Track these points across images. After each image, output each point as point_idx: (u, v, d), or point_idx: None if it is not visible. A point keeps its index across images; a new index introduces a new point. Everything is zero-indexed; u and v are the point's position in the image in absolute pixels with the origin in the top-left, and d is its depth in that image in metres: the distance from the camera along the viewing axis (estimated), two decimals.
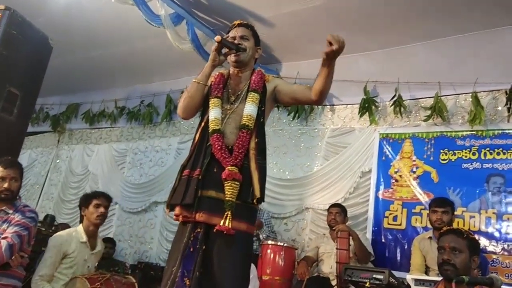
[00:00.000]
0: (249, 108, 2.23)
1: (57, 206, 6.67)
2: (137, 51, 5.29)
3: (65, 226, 4.90)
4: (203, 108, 2.36)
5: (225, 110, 2.29)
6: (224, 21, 4.60)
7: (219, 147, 2.15)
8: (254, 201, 2.11)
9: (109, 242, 5.11)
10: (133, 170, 6.30)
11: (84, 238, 3.24)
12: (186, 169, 2.19)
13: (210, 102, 2.29)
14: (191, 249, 2.03)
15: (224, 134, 2.21)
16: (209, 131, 2.22)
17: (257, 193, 2.10)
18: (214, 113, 2.25)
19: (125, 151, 6.49)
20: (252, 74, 2.38)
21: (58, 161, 7.16)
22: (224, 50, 2.33)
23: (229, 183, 2.08)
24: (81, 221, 3.37)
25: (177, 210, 2.14)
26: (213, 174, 2.14)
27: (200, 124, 2.34)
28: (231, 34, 2.39)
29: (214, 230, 2.05)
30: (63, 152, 7.16)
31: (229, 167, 2.11)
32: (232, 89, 2.35)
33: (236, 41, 2.33)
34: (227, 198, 2.07)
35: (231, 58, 2.35)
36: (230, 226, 2.03)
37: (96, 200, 3.30)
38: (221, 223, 2.03)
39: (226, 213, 2.05)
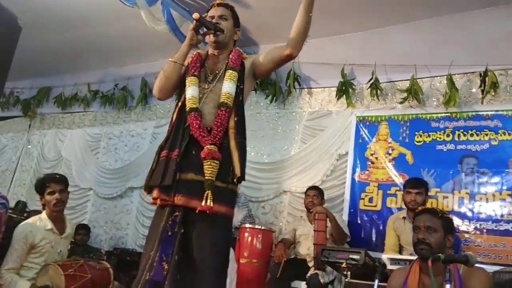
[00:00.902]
0: (228, 86, 2.17)
1: (29, 192, 6.49)
2: (110, 33, 5.14)
3: (37, 213, 4.78)
4: (180, 88, 2.29)
5: (202, 89, 2.22)
6: (201, 2, 4.50)
7: (197, 126, 2.10)
8: (235, 180, 2.07)
9: (83, 229, 5.02)
10: (107, 155, 6.18)
11: (49, 225, 3.09)
12: (164, 150, 2.13)
13: (187, 81, 2.23)
14: (169, 233, 1.99)
15: (202, 114, 2.15)
16: (187, 110, 2.16)
17: (238, 172, 2.06)
18: (191, 91, 2.19)
19: (99, 136, 6.35)
20: (229, 54, 2.32)
21: (29, 146, 6.96)
22: (202, 30, 2.26)
23: (209, 162, 2.03)
24: (43, 208, 3.20)
25: (155, 193, 2.08)
26: (192, 156, 2.09)
27: (177, 104, 2.27)
28: (210, 13, 2.32)
29: (196, 212, 2.00)
30: (35, 138, 6.97)
31: (208, 146, 2.05)
32: (210, 69, 2.30)
33: (214, 21, 2.26)
34: (206, 177, 2.02)
35: (210, 38, 2.28)
36: (211, 205, 1.98)
37: (48, 188, 3.11)
38: (203, 203, 1.98)
39: (206, 193, 2.00)
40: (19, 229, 3.07)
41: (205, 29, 2.26)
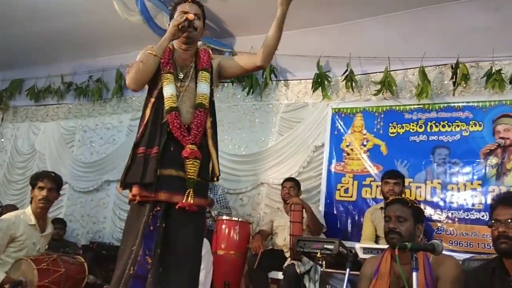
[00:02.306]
0: (203, 87, 2.25)
1: (3, 187, 6.37)
2: (83, 24, 5.02)
3: (12, 207, 4.70)
4: (150, 84, 2.29)
5: (177, 87, 2.25)
6: None
7: (177, 125, 2.14)
8: (215, 178, 2.22)
9: (59, 223, 4.95)
10: (83, 148, 6.08)
11: (32, 220, 3.12)
12: (140, 147, 2.14)
13: (163, 77, 2.24)
14: (151, 228, 2.03)
15: (180, 113, 2.19)
16: (166, 108, 2.18)
17: (217, 170, 2.21)
18: (169, 89, 2.21)
19: (74, 128, 6.23)
20: (197, 52, 2.37)
21: (2, 140, 6.79)
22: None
23: (191, 162, 2.10)
24: (31, 202, 3.23)
25: (135, 189, 2.11)
26: (171, 153, 2.13)
27: (149, 99, 2.28)
28: (181, 8, 2.32)
29: (177, 207, 2.07)
30: (8, 131, 6.79)
31: (189, 146, 2.12)
32: (179, 65, 2.32)
33: (190, 17, 2.24)
34: (189, 176, 2.10)
35: (184, 34, 2.28)
36: (193, 202, 2.07)
37: (40, 182, 3.16)
38: (184, 200, 2.06)
39: (188, 190, 2.08)
40: (2, 219, 3.09)
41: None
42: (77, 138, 6.17)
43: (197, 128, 2.17)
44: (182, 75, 2.29)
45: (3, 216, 3.17)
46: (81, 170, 5.92)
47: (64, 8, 4.79)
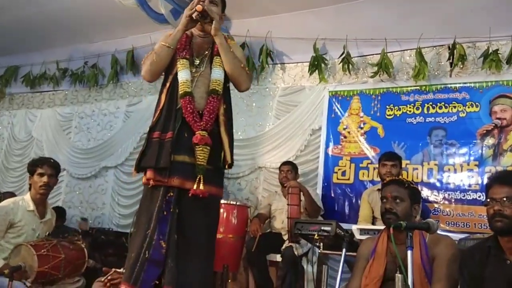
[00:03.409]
0: (217, 73, 2.23)
1: (1, 174, 6.39)
2: (76, 8, 4.95)
3: (11, 194, 4.70)
4: (167, 68, 2.31)
5: (192, 73, 2.25)
6: None
7: (190, 110, 2.14)
8: (226, 166, 2.19)
9: (59, 215, 4.95)
10: (80, 135, 6.07)
11: (31, 206, 3.14)
12: (155, 131, 2.17)
13: (178, 63, 2.25)
14: (165, 213, 2.06)
15: (194, 98, 2.19)
16: (180, 93, 2.19)
17: (229, 158, 2.17)
18: (184, 74, 2.22)
19: (70, 115, 6.22)
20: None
21: None
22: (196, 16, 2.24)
23: (201, 148, 2.09)
24: (30, 189, 3.24)
25: (149, 173, 2.13)
26: (184, 139, 2.14)
27: (164, 84, 2.30)
28: None
29: (189, 194, 2.08)
30: (4, 118, 6.78)
31: (200, 132, 2.11)
32: (196, 52, 2.31)
33: (205, 6, 2.24)
34: (198, 163, 2.09)
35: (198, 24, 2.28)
36: (204, 189, 2.08)
37: (40, 169, 3.17)
38: (195, 187, 2.06)
39: (198, 177, 2.08)
40: (0, 205, 3.11)
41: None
42: (74, 125, 6.15)
43: (209, 114, 2.16)
44: (198, 61, 2.29)
45: (2, 203, 3.18)
46: (79, 156, 5.92)
47: None
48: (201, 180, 2.08)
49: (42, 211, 3.24)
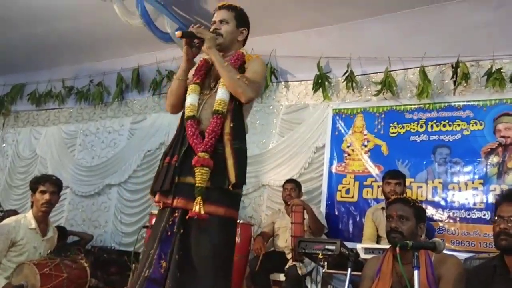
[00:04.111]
0: (221, 93, 2.18)
1: (4, 192, 6.38)
2: (83, 27, 5.03)
3: (14, 212, 4.70)
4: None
5: (203, 95, 2.25)
6: None
7: (192, 133, 2.14)
8: (229, 187, 2.08)
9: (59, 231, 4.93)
10: (84, 152, 6.09)
11: (33, 224, 3.13)
12: (167, 157, 2.19)
13: (188, 88, 2.26)
14: (169, 233, 2.05)
15: (201, 120, 2.19)
16: (185, 117, 2.21)
17: (232, 178, 2.08)
18: (190, 99, 2.22)
19: (75, 132, 6.25)
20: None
21: (4, 145, 6.81)
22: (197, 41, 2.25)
23: (198, 169, 2.07)
24: (32, 206, 3.24)
25: (157, 197, 2.17)
26: (190, 161, 2.12)
27: (182, 112, 2.32)
28: (213, 18, 2.33)
29: (187, 217, 2.06)
30: (9, 136, 6.81)
31: (199, 153, 2.09)
32: (214, 75, 2.29)
33: (214, 26, 2.27)
34: (196, 184, 2.06)
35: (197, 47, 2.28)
36: (201, 212, 2.02)
37: (42, 186, 3.17)
38: (193, 209, 2.03)
39: (197, 198, 2.05)
40: (2, 224, 3.11)
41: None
42: (78, 142, 6.18)
43: (209, 135, 2.12)
44: (214, 83, 2.27)
45: (4, 221, 3.18)
46: (83, 174, 5.92)
47: (64, 12, 4.80)
48: (200, 202, 2.04)
49: (44, 229, 3.24)
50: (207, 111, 2.21)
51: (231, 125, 2.16)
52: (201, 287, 2.00)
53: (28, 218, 3.16)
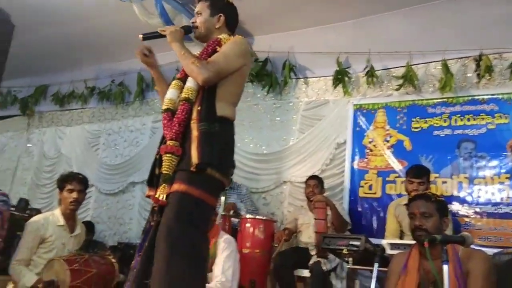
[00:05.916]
0: (189, 81, 2.19)
1: (31, 191, 6.52)
2: (103, 28, 5.10)
3: (37, 212, 4.80)
4: None
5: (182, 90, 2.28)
6: None
7: (164, 125, 2.18)
8: (192, 168, 2.00)
9: (87, 226, 5.04)
10: (107, 151, 6.19)
11: (61, 221, 3.22)
12: (157, 152, 2.22)
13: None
14: (151, 223, 2.08)
15: (174, 113, 2.20)
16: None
17: (194, 159, 2.00)
18: (169, 94, 2.27)
19: (98, 132, 6.36)
20: None
21: (29, 145, 6.96)
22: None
23: (164, 157, 2.07)
24: (59, 203, 3.32)
25: (147, 190, 2.20)
26: None
27: None
28: None
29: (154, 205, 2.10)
30: (34, 136, 6.96)
31: (168, 141, 2.09)
32: None
33: (193, 19, 2.34)
34: (163, 171, 2.05)
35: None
36: (160, 198, 2.01)
37: (69, 185, 3.26)
38: (156, 195, 2.03)
39: (161, 185, 2.03)
40: (31, 221, 3.20)
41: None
42: (102, 141, 6.29)
43: (177, 123, 2.10)
44: None
45: (32, 219, 3.27)
46: (107, 172, 6.03)
47: (84, 13, 4.88)
48: (162, 188, 2.02)
49: (72, 225, 3.32)
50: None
51: (198, 108, 2.12)
52: (156, 270, 1.93)
53: (56, 215, 3.24)
